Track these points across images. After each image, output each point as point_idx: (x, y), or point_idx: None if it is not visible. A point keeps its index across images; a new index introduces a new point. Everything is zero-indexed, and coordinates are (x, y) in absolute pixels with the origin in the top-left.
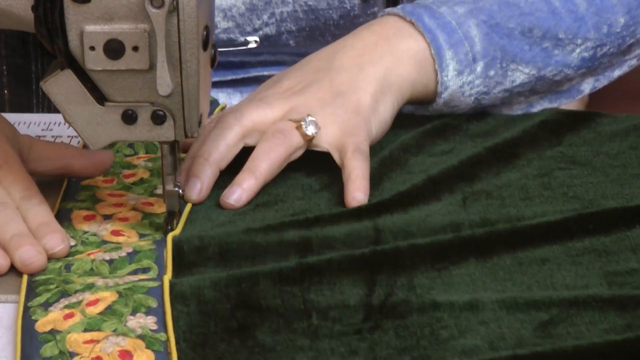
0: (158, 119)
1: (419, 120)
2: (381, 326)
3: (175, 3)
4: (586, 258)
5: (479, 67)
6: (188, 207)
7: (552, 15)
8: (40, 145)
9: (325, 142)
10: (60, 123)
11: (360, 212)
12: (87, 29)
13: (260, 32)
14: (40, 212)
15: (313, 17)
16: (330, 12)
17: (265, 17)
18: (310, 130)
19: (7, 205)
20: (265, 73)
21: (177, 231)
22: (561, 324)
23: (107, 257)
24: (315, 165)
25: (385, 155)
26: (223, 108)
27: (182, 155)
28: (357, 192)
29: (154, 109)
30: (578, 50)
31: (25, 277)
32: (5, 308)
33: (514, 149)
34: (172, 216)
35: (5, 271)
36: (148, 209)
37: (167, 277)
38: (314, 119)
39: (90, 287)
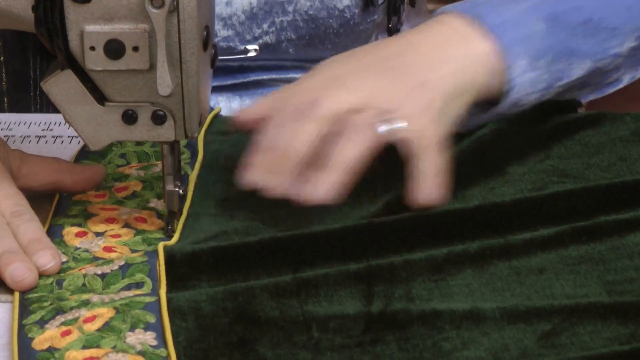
0: (158, 119)
1: None
2: (383, 338)
3: (175, 3)
4: (584, 267)
5: (544, 63)
6: (181, 223)
7: (604, 5)
8: (31, 160)
9: (407, 131)
10: (60, 123)
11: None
12: (87, 29)
13: (260, 41)
14: (31, 229)
15: (313, 26)
16: (331, 20)
17: (265, 25)
18: (396, 125)
19: None
20: (265, 77)
21: (172, 242)
22: (564, 333)
23: (99, 272)
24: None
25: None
26: (217, 113)
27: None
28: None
29: (154, 109)
30: (628, 40)
31: (17, 295)
32: (5, 308)
33: (503, 163)
34: (172, 216)
35: None
36: (141, 225)
37: (163, 291)
38: (397, 114)
39: (85, 303)
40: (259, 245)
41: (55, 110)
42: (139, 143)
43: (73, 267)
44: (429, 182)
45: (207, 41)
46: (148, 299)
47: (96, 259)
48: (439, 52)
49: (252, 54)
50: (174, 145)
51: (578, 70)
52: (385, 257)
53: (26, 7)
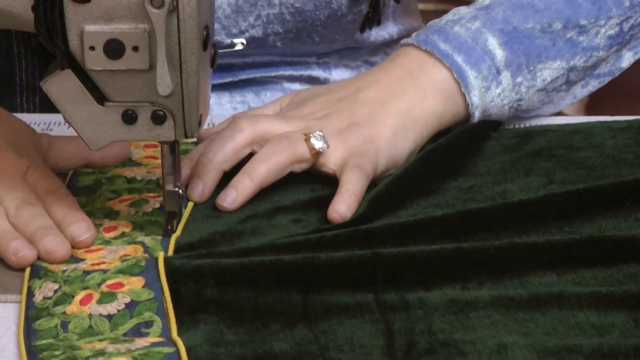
0: (158, 119)
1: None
2: None
3: (175, 3)
4: (604, 289)
5: (505, 78)
6: (181, 225)
7: (568, 4)
8: (59, 142)
9: (332, 163)
10: (60, 123)
11: (357, 239)
12: (87, 29)
13: (247, 34)
14: (66, 202)
15: (300, 19)
16: (317, 13)
17: (251, 19)
18: (318, 145)
19: (34, 204)
20: (255, 75)
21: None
22: None
23: (105, 312)
24: (314, 180)
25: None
26: None
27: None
28: (341, 205)
29: (154, 109)
30: (603, 30)
31: (22, 343)
32: (5, 308)
33: (504, 190)
34: (172, 217)
35: (31, 262)
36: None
37: (174, 333)
38: (322, 134)
39: (101, 353)
40: (263, 267)
41: (48, 112)
42: (130, 181)
43: (68, 292)
44: (337, 199)
45: (207, 41)
46: (167, 350)
47: (86, 272)
48: (395, 87)
49: (239, 47)
50: (174, 145)
51: (551, 73)
52: (397, 290)
53: (26, 7)
